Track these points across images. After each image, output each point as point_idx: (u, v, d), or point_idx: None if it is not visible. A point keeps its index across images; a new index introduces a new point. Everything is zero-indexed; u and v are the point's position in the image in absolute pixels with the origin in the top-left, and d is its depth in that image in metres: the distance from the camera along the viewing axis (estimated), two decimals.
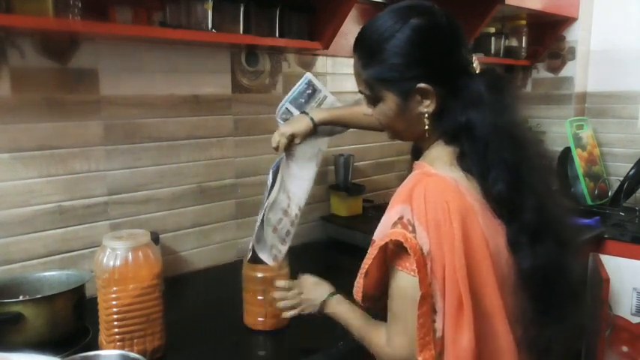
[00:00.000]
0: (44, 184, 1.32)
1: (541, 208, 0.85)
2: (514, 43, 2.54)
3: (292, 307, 1.11)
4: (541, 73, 2.63)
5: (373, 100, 0.94)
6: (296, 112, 1.32)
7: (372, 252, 0.86)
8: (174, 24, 1.38)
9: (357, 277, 0.89)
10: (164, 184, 1.55)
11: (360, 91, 0.96)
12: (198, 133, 1.60)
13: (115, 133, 1.43)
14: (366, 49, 0.92)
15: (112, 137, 1.42)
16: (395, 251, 0.83)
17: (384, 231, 0.85)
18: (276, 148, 1.24)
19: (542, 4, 2.22)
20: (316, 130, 1.27)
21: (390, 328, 0.88)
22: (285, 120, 1.33)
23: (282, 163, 1.25)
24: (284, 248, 1.24)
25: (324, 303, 1.05)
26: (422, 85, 0.87)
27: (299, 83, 1.34)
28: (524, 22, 2.49)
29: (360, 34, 0.93)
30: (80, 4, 1.20)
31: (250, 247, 1.20)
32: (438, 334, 0.83)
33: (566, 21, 2.46)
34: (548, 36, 2.54)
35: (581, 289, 0.95)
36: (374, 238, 0.87)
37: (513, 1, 2.03)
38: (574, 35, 2.51)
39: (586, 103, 2.62)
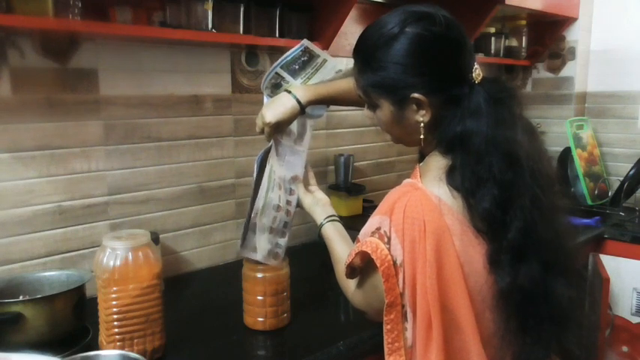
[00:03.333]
0: (44, 184, 1.32)
1: (528, 231, 0.83)
2: (514, 43, 2.54)
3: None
4: (541, 73, 2.63)
5: (371, 105, 0.94)
6: (289, 78, 1.21)
7: (353, 252, 0.90)
8: (174, 24, 1.38)
9: (344, 262, 0.95)
10: (164, 184, 1.55)
11: (359, 96, 0.96)
12: (198, 133, 1.60)
13: (115, 133, 1.43)
14: (362, 56, 0.92)
15: (112, 137, 1.42)
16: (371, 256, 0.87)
17: (364, 235, 0.89)
18: (261, 133, 1.16)
19: (542, 4, 2.22)
20: (303, 112, 1.16)
21: (356, 288, 0.98)
22: (274, 86, 1.21)
23: (271, 151, 1.17)
24: (284, 240, 1.21)
25: (321, 226, 1.13)
26: (416, 95, 0.86)
27: (293, 49, 1.22)
28: (524, 22, 2.49)
29: (358, 38, 0.92)
30: (80, 4, 1.20)
31: (239, 243, 1.19)
32: (409, 343, 0.85)
33: (566, 21, 2.46)
34: (548, 36, 2.54)
35: (572, 315, 0.89)
36: (358, 236, 0.91)
37: (513, 1, 2.03)
38: (574, 35, 2.51)
39: (586, 103, 2.62)
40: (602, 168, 2.53)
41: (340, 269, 1.03)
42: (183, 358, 1.12)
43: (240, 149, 1.70)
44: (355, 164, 2.00)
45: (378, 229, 0.86)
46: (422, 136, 0.90)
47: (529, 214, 0.83)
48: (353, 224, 1.86)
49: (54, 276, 1.21)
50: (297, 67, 1.23)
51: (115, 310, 1.02)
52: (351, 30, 1.96)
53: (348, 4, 1.63)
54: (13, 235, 1.28)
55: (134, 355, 0.91)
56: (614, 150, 2.55)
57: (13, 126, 1.26)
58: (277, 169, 1.19)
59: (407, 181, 0.91)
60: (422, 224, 0.82)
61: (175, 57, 1.52)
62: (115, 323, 1.03)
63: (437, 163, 0.89)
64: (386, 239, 0.85)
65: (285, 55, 1.23)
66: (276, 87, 1.24)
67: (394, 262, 0.84)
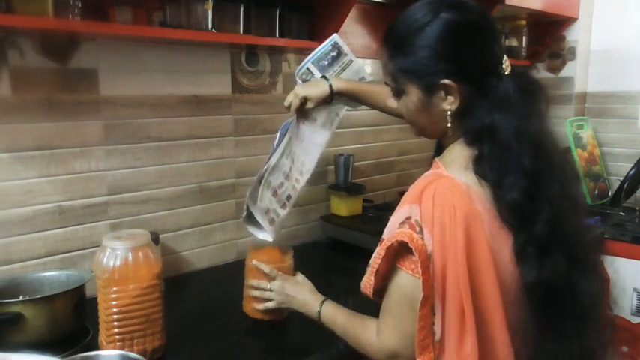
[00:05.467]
0: (44, 184, 1.32)
1: (555, 222, 0.81)
2: (514, 43, 2.54)
3: (266, 299, 1.14)
4: (541, 73, 2.63)
5: (397, 92, 0.93)
6: (317, 74, 1.27)
7: (380, 251, 0.86)
8: (174, 24, 1.38)
9: (367, 274, 0.89)
10: (164, 184, 1.55)
11: (386, 83, 0.95)
12: (198, 133, 1.60)
13: (115, 133, 1.43)
14: (394, 40, 0.91)
15: (112, 137, 1.42)
16: (399, 250, 0.83)
17: (392, 230, 0.85)
18: (288, 108, 1.21)
19: (542, 4, 2.22)
20: (332, 99, 1.23)
21: (382, 321, 0.89)
22: (304, 80, 1.28)
23: (292, 124, 1.22)
24: (283, 212, 1.23)
25: (319, 314, 1.06)
26: (446, 81, 0.85)
27: (324, 44, 1.28)
28: (524, 22, 2.49)
29: (390, 24, 0.92)
30: (80, 4, 1.20)
31: (245, 207, 1.20)
32: (437, 337, 0.82)
33: (566, 21, 2.46)
34: (548, 36, 2.54)
35: (592, 311, 0.86)
36: (383, 236, 0.87)
37: (513, 1, 2.03)
38: (574, 35, 2.51)
39: (586, 103, 2.62)
40: (602, 168, 2.53)
41: (354, 330, 0.97)
42: (183, 358, 1.12)
43: (240, 149, 1.70)
44: (355, 164, 2.00)
45: (408, 218, 0.82)
46: (449, 125, 0.88)
47: (556, 205, 0.82)
48: (353, 224, 1.88)
49: (54, 276, 1.21)
50: (326, 62, 1.28)
51: (115, 310, 1.02)
52: (351, 30, 1.96)
53: (348, 4, 1.63)
54: (13, 235, 1.29)
55: (134, 355, 0.91)
56: (614, 150, 2.55)
57: (13, 126, 1.26)
58: (294, 144, 1.22)
59: (429, 171, 0.89)
60: (452, 210, 0.80)
61: (175, 57, 1.52)
62: (115, 323, 1.03)
63: (461, 152, 0.88)
64: (417, 229, 0.81)
65: (316, 50, 1.28)
66: (305, 82, 1.28)
67: (427, 253, 0.80)
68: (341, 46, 1.28)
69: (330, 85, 1.22)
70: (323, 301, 1.07)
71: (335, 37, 1.28)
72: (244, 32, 1.53)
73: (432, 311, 0.82)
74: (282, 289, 1.15)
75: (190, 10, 1.40)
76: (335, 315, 1.03)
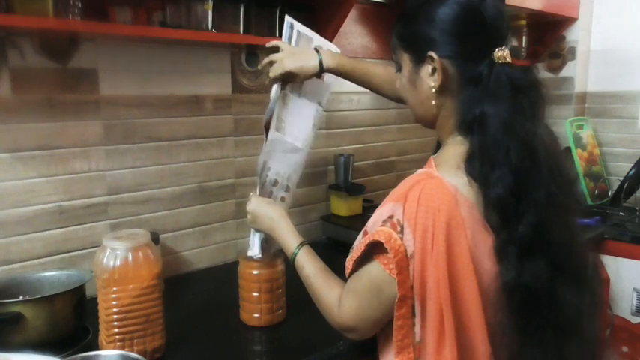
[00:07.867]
0: (44, 184, 1.32)
1: (540, 227, 0.80)
2: (514, 43, 2.54)
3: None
4: (541, 73, 2.62)
5: (398, 65, 0.96)
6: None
7: (360, 245, 0.87)
8: (174, 24, 1.38)
9: (348, 259, 0.91)
10: (164, 184, 1.55)
11: (392, 59, 0.98)
12: (198, 133, 1.60)
13: (115, 133, 1.43)
14: (401, 13, 0.95)
15: (112, 137, 1.42)
16: (378, 246, 0.84)
17: (374, 226, 0.85)
18: (264, 71, 1.18)
19: (542, 4, 2.22)
20: (320, 76, 1.19)
21: (346, 296, 0.91)
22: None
23: (276, 110, 1.16)
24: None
25: (295, 256, 1.05)
26: (432, 53, 0.86)
27: (284, 31, 1.24)
28: (524, 22, 2.48)
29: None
30: (80, 4, 1.20)
31: (256, 243, 1.21)
32: (417, 338, 0.83)
33: (566, 21, 2.47)
34: (548, 36, 2.54)
35: (577, 326, 0.84)
36: (366, 228, 0.88)
37: (513, 1, 2.03)
38: (574, 35, 2.51)
39: (586, 103, 2.62)
40: (602, 168, 2.53)
41: (320, 287, 0.98)
42: (184, 357, 1.12)
43: (240, 149, 1.70)
44: (355, 164, 2.00)
45: (391, 217, 0.83)
46: (433, 102, 0.89)
47: (543, 210, 0.80)
48: (353, 224, 1.88)
49: (54, 276, 1.21)
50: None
51: (115, 310, 1.02)
52: (351, 30, 1.96)
53: (348, 4, 1.63)
54: (13, 235, 1.29)
55: (134, 355, 0.91)
56: (614, 150, 2.55)
57: (13, 126, 1.26)
58: (274, 165, 1.20)
59: (421, 170, 0.89)
60: (436, 213, 0.79)
61: (175, 57, 1.52)
62: (115, 323, 1.03)
63: (456, 151, 0.87)
64: (399, 228, 0.81)
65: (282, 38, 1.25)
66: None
67: (406, 253, 0.80)
68: (295, 26, 1.25)
69: (321, 62, 1.17)
70: (302, 244, 1.06)
71: (288, 18, 1.24)
72: (244, 32, 1.53)
73: (412, 312, 0.83)
74: (256, 207, 1.14)
75: (190, 10, 1.40)
76: (306, 262, 1.02)
